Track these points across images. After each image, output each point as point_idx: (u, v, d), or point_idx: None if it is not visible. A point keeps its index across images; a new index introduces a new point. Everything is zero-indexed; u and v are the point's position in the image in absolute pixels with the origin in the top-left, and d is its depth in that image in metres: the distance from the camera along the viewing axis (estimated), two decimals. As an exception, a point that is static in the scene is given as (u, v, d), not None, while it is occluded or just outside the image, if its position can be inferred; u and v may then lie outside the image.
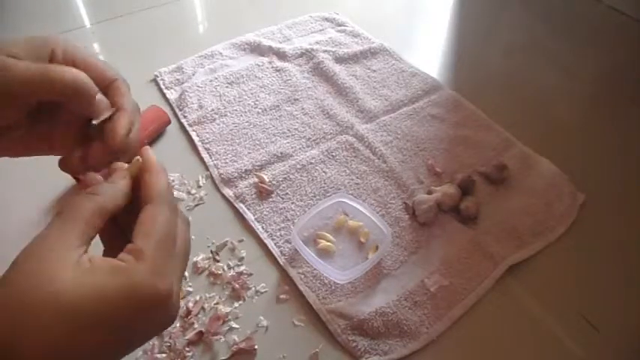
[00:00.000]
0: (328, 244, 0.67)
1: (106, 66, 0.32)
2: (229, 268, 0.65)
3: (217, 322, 0.59)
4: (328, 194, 0.74)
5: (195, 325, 0.59)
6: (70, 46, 0.31)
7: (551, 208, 0.73)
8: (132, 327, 0.26)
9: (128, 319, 0.25)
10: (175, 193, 0.74)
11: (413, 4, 1.24)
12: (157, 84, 0.93)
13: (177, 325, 0.59)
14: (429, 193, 0.73)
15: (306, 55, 0.99)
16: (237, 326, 0.60)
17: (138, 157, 0.31)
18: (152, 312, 0.26)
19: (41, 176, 0.68)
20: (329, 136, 0.83)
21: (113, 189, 0.29)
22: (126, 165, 0.31)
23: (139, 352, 0.57)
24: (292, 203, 0.73)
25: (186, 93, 0.89)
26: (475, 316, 0.62)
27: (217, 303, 0.62)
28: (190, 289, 0.63)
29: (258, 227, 0.70)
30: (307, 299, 0.62)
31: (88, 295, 0.24)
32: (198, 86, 0.91)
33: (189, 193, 0.75)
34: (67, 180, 0.72)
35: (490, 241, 0.69)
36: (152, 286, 0.26)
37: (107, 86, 0.32)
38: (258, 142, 0.81)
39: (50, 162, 0.33)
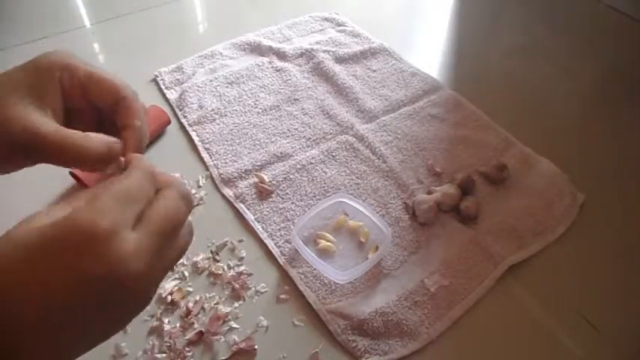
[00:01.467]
0: (328, 244, 0.67)
1: (113, 82, 0.33)
2: (229, 268, 0.65)
3: (217, 322, 0.59)
4: (328, 194, 0.74)
5: (195, 325, 0.59)
6: (71, 68, 0.32)
7: (551, 208, 0.73)
8: (69, 263, 0.24)
9: (62, 252, 0.24)
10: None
11: (413, 4, 1.24)
12: (157, 84, 0.93)
13: (178, 325, 0.59)
14: (429, 193, 0.73)
15: (306, 55, 0.99)
16: (237, 326, 0.60)
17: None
18: (90, 250, 0.24)
19: (41, 176, 0.68)
20: (329, 136, 0.83)
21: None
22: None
23: (138, 352, 0.57)
24: (292, 203, 0.73)
25: (186, 93, 0.89)
26: (475, 316, 0.62)
27: (217, 303, 0.62)
28: (190, 289, 0.63)
29: (258, 227, 0.70)
30: (307, 299, 0.62)
31: (32, 231, 0.24)
32: (198, 86, 0.91)
33: (189, 193, 0.75)
34: (66, 180, 0.72)
35: (490, 241, 0.69)
36: (89, 219, 0.24)
37: (116, 103, 0.33)
38: (258, 142, 0.81)
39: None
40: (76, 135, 0.30)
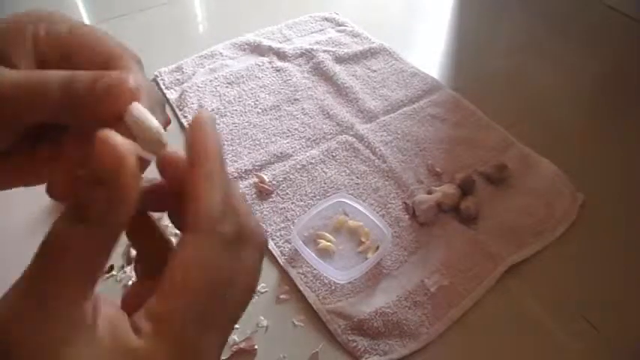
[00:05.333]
0: (328, 244, 0.67)
1: (105, 39, 0.23)
2: (229, 268, 0.65)
3: (217, 322, 0.59)
4: (328, 194, 0.74)
5: (195, 325, 0.59)
6: (50, 20, 0.23)
7: (551, 208, 0.73)
8: None
9: None
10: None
11: (413, 4, 1.24)
12: (157, 84, 0.93)
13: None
14: (429, 193, 0.73)
15: (306, 55, 0.99)
16: (237, 326, 0.60)
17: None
18: None
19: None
20: (329, 136, 0.83)
21: (113, 202, 0.18)
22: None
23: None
24: (292, 203, 0.73)
25: (186, 93, 0.89)
26: (475, 316, 0.62)
27: (217, 303, 0.61)
28: (190, 289, 0.63)
29: (258, 227, 0.70)
30: (307, 299, 0.62)
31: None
32: (198, 86, 0.91)
33: (189, 193, 0.74)
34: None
35: (490, 241, 0.69)
36: None
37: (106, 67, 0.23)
38: (258, 142, 0.81)
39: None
40: (34, 73, 0.21)
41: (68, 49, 0.22)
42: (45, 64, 0.22)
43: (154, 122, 0.21)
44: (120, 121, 0.20)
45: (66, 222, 0.18)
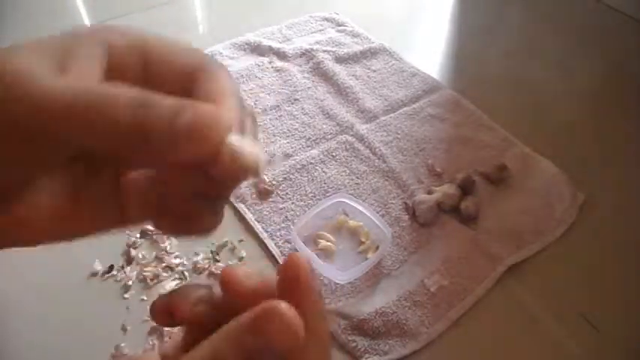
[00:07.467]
0: (328, 244, 0.67)
1: (181, 50, 0.19)
2: (229, 268, 0.65)
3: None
4: (328, 194, 0.74)
5: (196, 325, 0.59)
6: (123, 29, 0.19)
7: (551, 208, 0.73)
8: None
9: None
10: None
11: (413, 4, 1.24)
12: (157, 84, 0.93)
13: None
14: (429, 193, 0.73)
15: (306, 55, 0.99)
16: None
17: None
18: None
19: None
20: (329, 136, 0.83)
21: None
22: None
23: (139, 351, 0.57)
24: (292, 203, 0.73)
25: (186, 93, 0.89)
26: (475, 316, 0.62)
27: (217, 303, 0.62)
28: (190, 289, 0.63)
29: (258, 227, 0.70)
30: (307, 299, 0.62)
31: None
32: (198, 86, 0.91)
33: (189, 193, 0.74)
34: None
35: (490, 241, 0.69)
36: None
37: (190, 81, 0.19)
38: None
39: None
40: (97, 86, 0.17)
41: (147, 56, 0.19)
42: (122, 73, 0.18)
43: (252, 153, 0.18)
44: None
45: None
